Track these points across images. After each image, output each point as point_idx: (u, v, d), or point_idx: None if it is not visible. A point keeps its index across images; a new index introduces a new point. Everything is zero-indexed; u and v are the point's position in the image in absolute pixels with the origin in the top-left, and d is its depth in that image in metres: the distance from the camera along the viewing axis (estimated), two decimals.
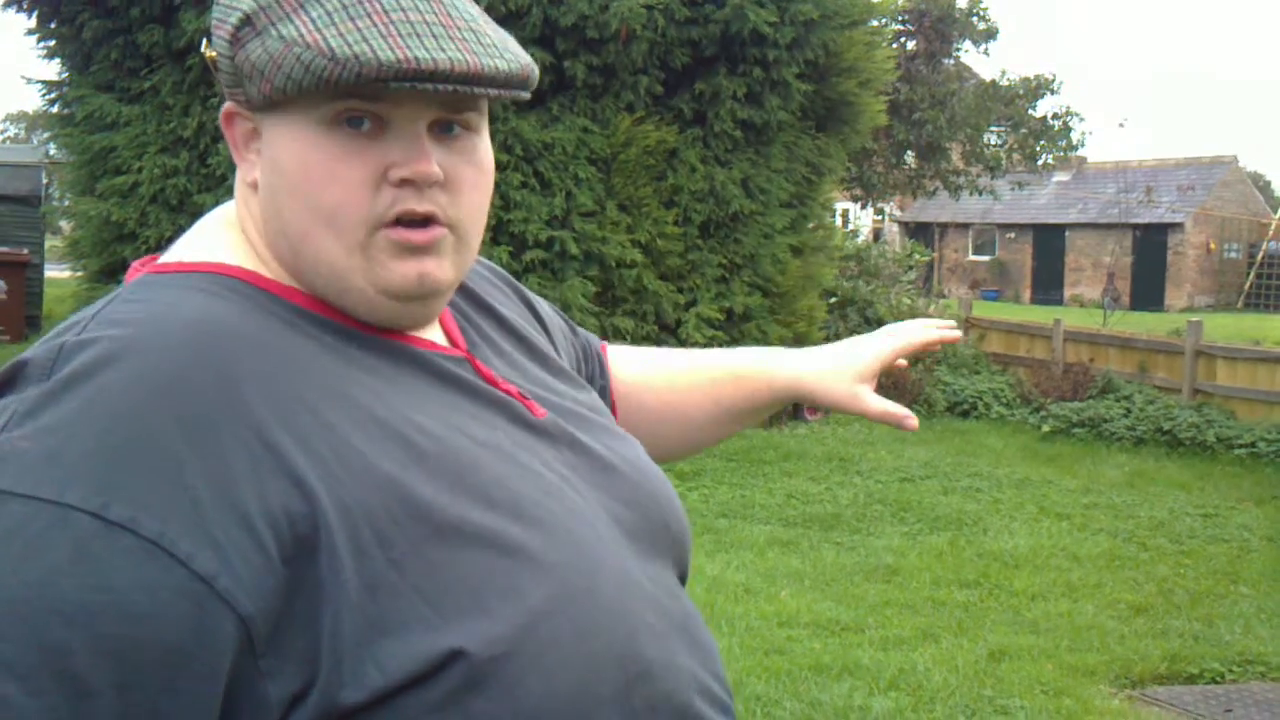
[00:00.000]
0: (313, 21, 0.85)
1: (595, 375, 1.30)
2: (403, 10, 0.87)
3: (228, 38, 0.89)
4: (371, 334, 0.93)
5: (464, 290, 1.09)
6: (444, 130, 0.92)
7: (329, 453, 0.82)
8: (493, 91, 0.89)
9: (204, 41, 0.93)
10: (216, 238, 0.96)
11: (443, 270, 0.93)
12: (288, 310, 0.90)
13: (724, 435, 1.41)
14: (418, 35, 0.86)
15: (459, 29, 0.88)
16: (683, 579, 1.07)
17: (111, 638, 0.72)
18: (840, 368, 1.33)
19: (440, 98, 0.89)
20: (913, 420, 1.29)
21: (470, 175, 0.94)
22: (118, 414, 0.77)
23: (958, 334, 1.38)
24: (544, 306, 1.25)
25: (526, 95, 0.93)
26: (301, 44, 0.85)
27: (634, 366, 1.35)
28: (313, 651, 0.78)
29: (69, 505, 0.73)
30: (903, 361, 1.36)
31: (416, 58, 0.84)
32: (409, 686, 0.79)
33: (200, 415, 0.78)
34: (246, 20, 0.88)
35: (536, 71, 0.93)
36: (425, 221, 0.91)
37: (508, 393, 0.99)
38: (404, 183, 0.89)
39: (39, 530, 0.73)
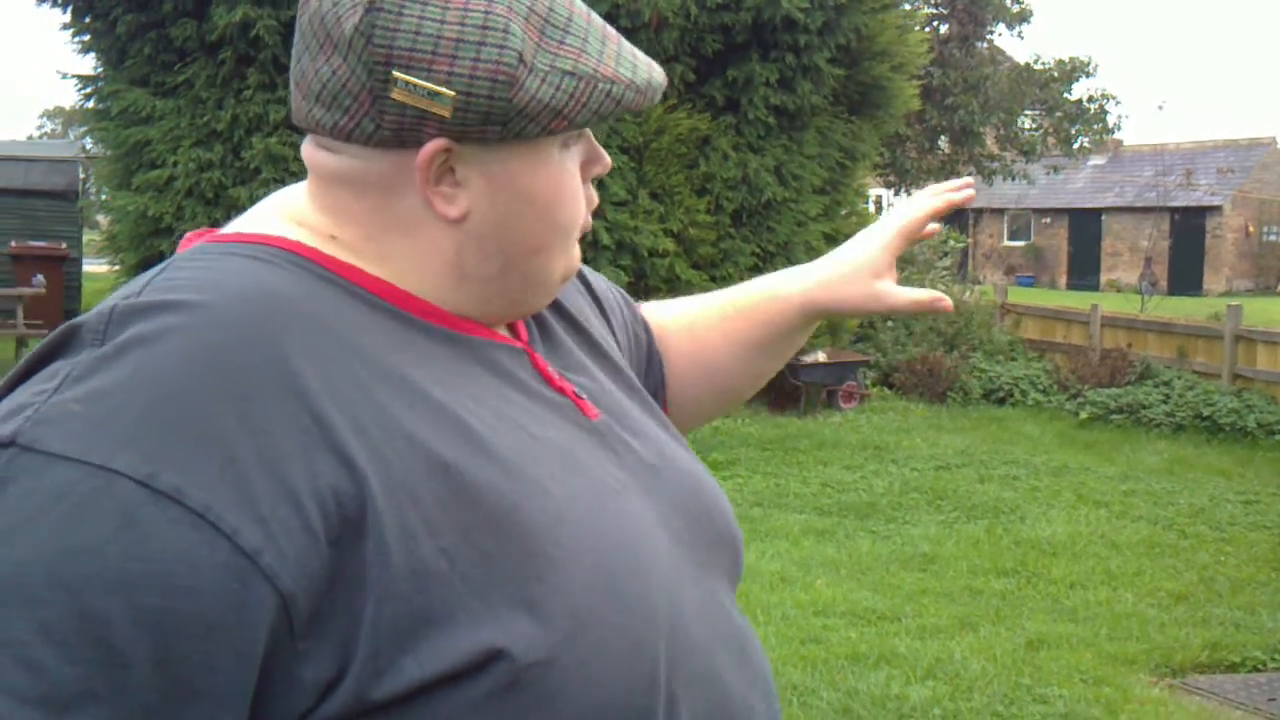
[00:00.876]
0: (584, 50, 0.89)
1: (654, 350, 1.27)
2: (606, 31, 0.93)
3: (507, 79, 0.85)
4: (433, 322, 0.91)
5: None
6: None
7: (380, 434, 0.80)
8: None
9: (417, 84, 0.85)
10: (280, 222, 0.93)
11: None
12: (349, 287, 0.88)
13: (755, 377, 1.33)
14: (634, 55, 0.93)
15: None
16: (735, 583, 1.05)
17: (153, 609, 0.71)
18: (854, 269, 1.25)
19: None
20: (947, 301, 1.22)
21: None
22: (170, 384, 0.76)
23: (970, 193, 1.25)
24: (600, 284, 1.22)
25: None
26: (605, 78, 0.89)
27: (655, 325, 1.32)
28: (350, 637, 0.77)
29: (117, 471, 0.72)
30: (934, 226, 1.27)
31: (658, 80, 0.94)
32: (447, 682, 0.78)
33: (252, 389, 0.77)
34: (520, 59, 0.86)
35: None
36: None
37: (561, 390, 0.97)
38: (589, 179, 0.97)
39: (85, 495, 0.72)
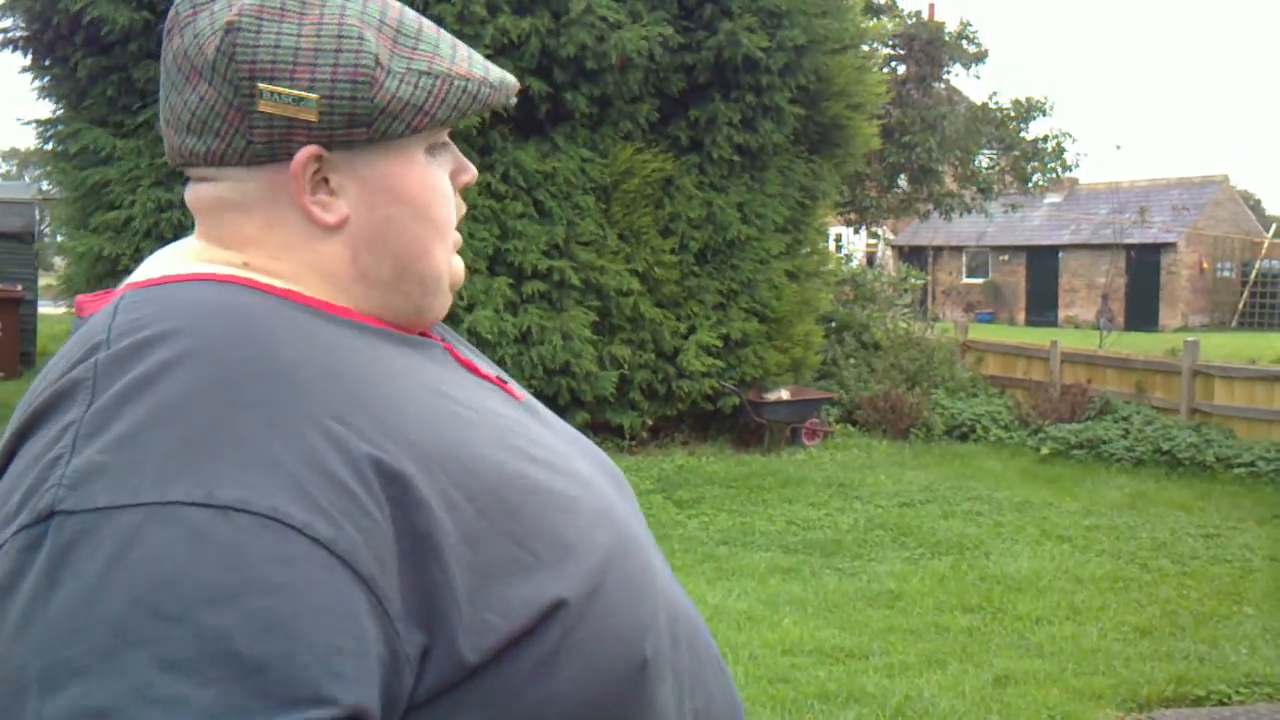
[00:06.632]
0: (436, 54, 0.95)
1: None
2: (455, 41, 0.99)
3: (366, 79, 0.90)
4: (380, 327, 0.96)
5: None
6: None
7: (395, 419, 0.84)
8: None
9: (283, 92, 0.89)
10: (190, 264, 0.94)
11: None
12: (298, 307, 0.91)
13: None
14: (484, 61, 0.99)
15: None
16: None
17: (262, 611, 0.72)
18: None
19: None
20: None
21: None
22: (190, 411, 0.77)
23: None
24: None
25: None
26: (460, 76, 0.94)
27: None
28: (429, 607, 0.79)
29: (175, 502, 0.73)
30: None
31: (510, 80, 0.99)
32: (520, 640, 0.81)
33: (268, 398, 0.80)
34: (377, 61, 0.91)
35: None
36: None
37: (487, 378, 1.03)
38: (461, 189, 1.02)
39: (154, 532, 0.72)
